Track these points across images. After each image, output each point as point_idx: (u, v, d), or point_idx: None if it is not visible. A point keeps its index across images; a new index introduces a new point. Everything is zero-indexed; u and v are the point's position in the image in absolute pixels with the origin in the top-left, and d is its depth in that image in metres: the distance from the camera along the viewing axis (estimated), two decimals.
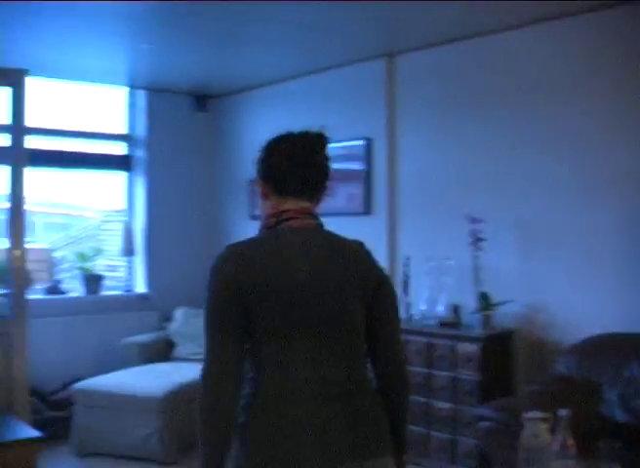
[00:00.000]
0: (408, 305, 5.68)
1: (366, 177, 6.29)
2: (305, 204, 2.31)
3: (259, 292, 2.13)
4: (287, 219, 2.26)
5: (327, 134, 2.42)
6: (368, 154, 6.29)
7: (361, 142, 6.32)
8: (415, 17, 5.10)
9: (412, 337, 5.41)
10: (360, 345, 2.27)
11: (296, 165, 2.29)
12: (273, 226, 2.27)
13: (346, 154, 6.42)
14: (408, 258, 5.76)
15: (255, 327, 2.15)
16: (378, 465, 2.17)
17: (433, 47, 5.78)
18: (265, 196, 2.34)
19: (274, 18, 5.19)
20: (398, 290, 5.81)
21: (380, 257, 6.21)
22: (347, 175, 6.40)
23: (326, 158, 2.37)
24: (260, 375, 2.15)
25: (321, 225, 2.34)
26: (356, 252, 2.35)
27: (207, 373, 2.10)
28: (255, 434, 2.11)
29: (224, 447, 2.09)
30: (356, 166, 6.36)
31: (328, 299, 2.18)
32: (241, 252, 2.19)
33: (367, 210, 6.26)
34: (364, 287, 2.27)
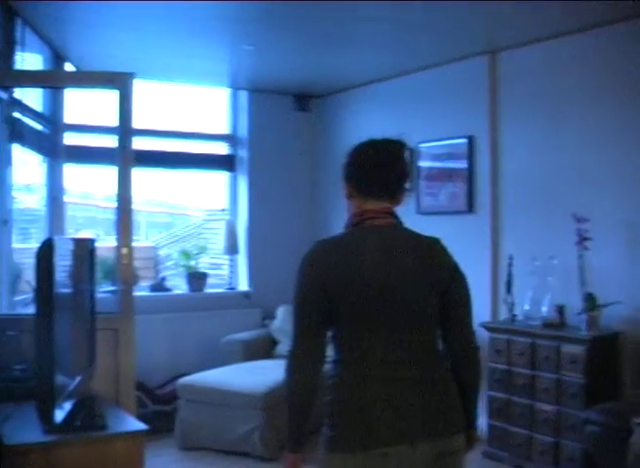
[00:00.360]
0: (511, 305, 5.59)
1: (468, 176, 6.22)
2: (385, 204, 2.51)
3: (342, 284, 2.37)
4: (369, 219, 2.48)
5: (405, 140, 2.61)
6: (470, 152, 6.21)
7: (463, 140, 6.26)
8: (519, 12, 5.01)
9: (515, 338, 5.35)
10: (433, 331, 2.49)
11: (377, 169, 2.50)
12: (357, 224, 2.50)
13: (448, 153, 6.37)
14: (511, 258, 5.67)
15: (338, 315, 2.39)
16: (449, 444, 2.39)
17: (537, 42, 5.67)
18: (350, 196, 2.56)
19: (375, 17, 5.19)
20: (501, 289, 5.75)
21: (483, 257, 6.17)
22: (450, 174, 6.35)
23: (405, 163, 2.60)
24: (343, 359, 2.42)
25: (400, 223, 2.54)
26: (432, 247, 2.53)
27: (292, 356, 2.42)
28: (338, 410, 2.39)
29: (306, 414, 2.44)
30: (458, 164, 6.30)
31: (405, 290, 2.40)
32: (327, 247, 2.46)
33: (469, 208, 6.19)
34: (438, 278, 2.46)
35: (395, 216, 2.53)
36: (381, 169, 2.50)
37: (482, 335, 5.76)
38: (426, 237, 2.54)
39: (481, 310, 5.96)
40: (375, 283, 2.37)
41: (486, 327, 5.65)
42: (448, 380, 2.48)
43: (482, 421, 5.74)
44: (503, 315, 5.74)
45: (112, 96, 4.74)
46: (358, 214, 2.50)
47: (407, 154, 2.60)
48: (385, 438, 2.32)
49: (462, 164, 6.27)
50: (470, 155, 6.22)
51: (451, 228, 6.28)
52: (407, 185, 2.62)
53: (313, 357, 2.41)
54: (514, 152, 5.95)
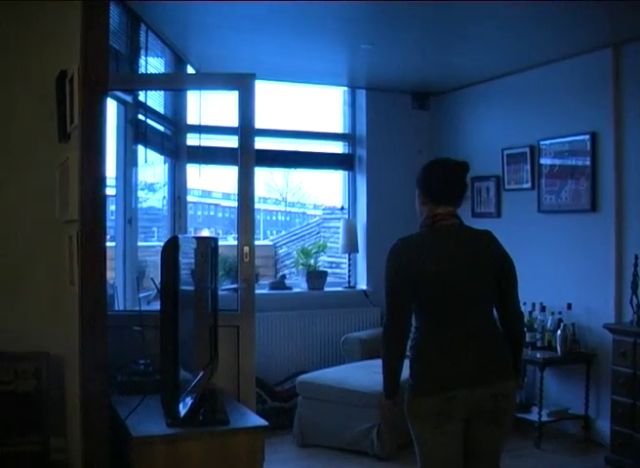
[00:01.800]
0: (637, 307, 5.40)
1: (591, 173, 6.05)
2: (451, 208, 3.28)
3: (423, 273, 3.14)
4: (440, 220, 3.25)
5: (468, 163, 3.38)
6: (593, 149, 6.04)
7: (586, 137, 6.09)
8: None
9: None
10: (491, 305, 3.29)
11: (448, 184, 3.28)
12: (431, 225, 3.26)
13: (570, 150, 6.21)
14: (637, 257, 5.47)
15: (419, 295, 3.17)
16: (500, 387, 3.17)
17: None
18: (424, 204, 3.33)
19: (493, 13, 5.11)
20: (626, 290, 5.57)
21: (607, 256, 5.99)
22: (572, 172, 6.19)
23: (465, 178, 3.36)
24: (423, 329, 3.23)
25: (462, 222, 3.30)
26: (487, 238, 3.33)
27: (386, 329, 3.21)
28: (417, 365, 3.20)
29: (397, 371, 3.21)
30: (581, 161, 6.13)
31: (471, 275, 3.18)
32: (409, 243, 3.26)
33: (593, 207, 6.01)
34: (494, 264, 3.26)
35: (458, 217, 3.30)
36: (450, 183, 3.28)
37: (606, 338, 5.60)
38: (481, 231, 3.34)
39: (605, 311, 5.80)
40: (448, 270, 3.15)
41: (610, 328, 5.49)
42: (501, 342, 3.25)
43: (605, 426, 5.60)
44: (629, 317, 5.55)
45: (234, 96, 4.82)
46: (432, 216, 3.26)
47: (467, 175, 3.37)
48: (450, 385, 3.10)
49: (585, 161, 6.10)
50: (593, 152, 6.05)
51: (573, 227, 6.14)
52: (466, 194, 3.39)
53: (401, 330, 3.18)
54: None
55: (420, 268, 3.14)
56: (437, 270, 3.14)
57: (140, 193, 5.70)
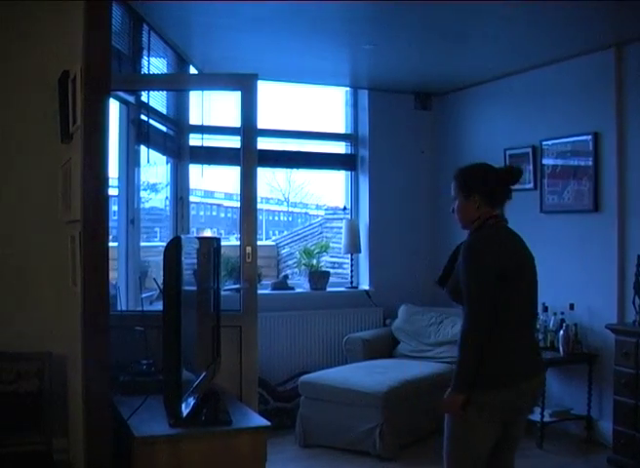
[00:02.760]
0: (639, 307, 5.40)
1: (594, 173, 6.04)
2: (500, 211, 3.48)
3: (509, 269, 3.28)
4: (499, 221, 3.45)
5: (521, 169, 3.63)
6: (595, 149, 6.03)
7: (588, 137, 6.08)
8: None
9: None
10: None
11: (504, 188, 3.47)
12: (493, 225, 3.42)
13: (572, 150, 6.21)
14: (639, 257, 5.47)
15: (504, 292, 3.25)
16: (542, 378, 3.64)
17: None
18: (478, 207, 3.43)
19: (495, 14, 5.11)
20: (628, 291, 5.56)
21: (609, 257, 6.00)
22: (574, 172, 6.19)
23: None
24: (502, 323, 3.25)
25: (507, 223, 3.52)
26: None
27: (476, 327, 3.24)
28: (488, 361, 3.26)
29: (474, 370, 3.24)
30: (583, 162, 6.13)
31: (532, 272, 3.47)
32: (489, 241, 3.36)
33: (595, 207, 6.00)
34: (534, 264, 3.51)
35: (505, 219, 3.51)
36: (505, 188, 3.46)
37: (608, 338, 5.60)
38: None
39: (607, 312, 5.80)
40: (522, 266, 3.38)
41: (612, 329, 5.48)
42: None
43: (607, 427, 5.59)
44: (631, 317, 5.55)
45: (236, 96, 4.82)
46: (491, 217, 3.42)
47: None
48: (523, 379, 3.31)
49: (587, 161, 6.09)
50: (596, 152, 6.04)
51: (576, 228, 6.13)
52: None
53: (489, 328, 3.22)
54: None
55: (506, 264, 3.28)
56: (516, 267, 3.32)
57: (142, 193, 5.70)
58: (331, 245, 7.85)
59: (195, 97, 6.58)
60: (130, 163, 5.37)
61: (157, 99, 5.77)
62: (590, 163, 6.06)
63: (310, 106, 7.81)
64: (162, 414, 3.52)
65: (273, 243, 8.24)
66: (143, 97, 5.41)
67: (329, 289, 7.53)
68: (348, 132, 7.89)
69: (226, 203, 8.66)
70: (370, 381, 5.87)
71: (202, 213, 8.38)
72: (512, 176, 3.48)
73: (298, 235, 8.25)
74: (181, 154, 6.47)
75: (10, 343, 3.98)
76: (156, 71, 5.80)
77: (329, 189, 8.34)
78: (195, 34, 5.89)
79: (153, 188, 6.28)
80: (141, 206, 5.68)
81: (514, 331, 3.31)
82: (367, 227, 7.68)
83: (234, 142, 5.72)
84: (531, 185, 6.59)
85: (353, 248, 7.53)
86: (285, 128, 7.57)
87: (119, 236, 5.34)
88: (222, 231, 8.33)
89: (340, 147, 7.93)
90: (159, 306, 3.73)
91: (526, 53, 6.18)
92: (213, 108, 6.42)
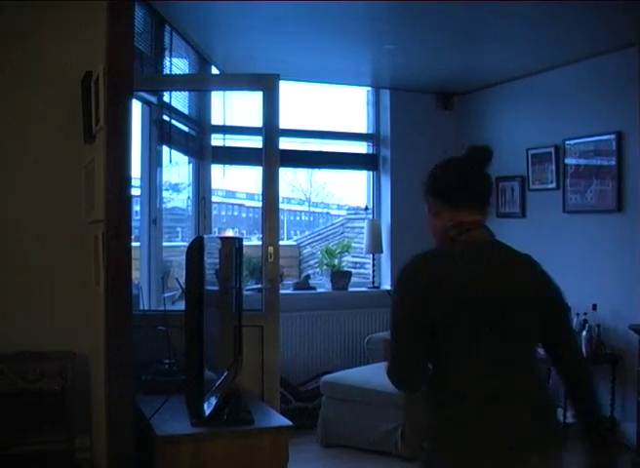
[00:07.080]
0: None
1: (617, 173, 6.00)
2: (477, 216, 2.36)
3: (444, 300, 2.21)
4: (467, 230, 2.32)
5: (492, 148, 2.51)
6: (619, 148, 5.99)
7: (611, 136, 6.04)
8: None
9: None
10: (532, 349, 2.37)
11: (466, 177, 2.39)
12: (454, 238, 2.33)
13: (595, 149, 6.17)
14: None
15: (436, 331, 2.22)
16: (549, 457, 2.48)
17: None
18: (437, 214, 2.44)
19: (518, 12, 5.08)
20: None
21: (633, 257, 5.94)
22: (597, 172, 6.14)
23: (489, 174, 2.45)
24: (441, 374, 2.27)
25: (494, 236, 2.39)
26: (527, 264, 2.40)
27: (391, 376, 2.32)
28: (439, 427, 2.30)
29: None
30: (606, 161, 6.09)
31: (503, 309, 2.25)
32: (427, 262, 2.31)
33: (618, 207, 5.96)
34: (538, 297, 2.36)
35: (488, 229, 2.38)
36: (469, 176, 2.40)
37: (631, 339, 5.56)
38: (520, 253, 2.40)
39: (630, 312, 5.75)
40: (475, 302, 2.22)
41: (636, 329, 5.44)
42: (548, 396, 2.45)
43: (631, 428, 5.56)
44: None
45: (258, 97, 4.83)
46: (454, 226, 2.34)
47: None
48: (485, 460, 2.25)
49: (610, 161, 6.05)
50: (619, 151, 6.00)
51: (599, 228, 6.09)
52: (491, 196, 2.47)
53: (414, 378, 2.32)
54: None
55: (444, 297, 2.23)
56: (463, 302, 2.22)
57: (164, 193, 5.72)
58: (352, 245, 7.84)
59: (217, 98, 6.60)
60: (152, 163, 5.39)
61: (179, 100, 5.79)
62: (613, 162, 6.02)
63: (332, 106, 7.80)
64: (184, 414, 3.52)
65: (295, 243, 8.25)
66: (165, 97, 5.43)
67: (351, 289, 7.52)
68: (370, 132, 7.88)
69: (248, 203, 8.68)
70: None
71: (224, 212, 8.40)
72: (468, 160, 2.48)
73: (319, 235, 8.25)
74: (203, 154, 6.48)
75: (34, 342, 4.01)
76: (178, 72, 5.82)
77: (350, 189, 8.34)
78: (217, 34, 5.90)
79: (175, 188, 6.30)
80: (164, 206, 5.70)
81: (476, 410, 2.21)
82: (389, 227, 7.67)
83: (256, 142, 5.73)
84: (553, 185, 6.55)
85: (375, 248, 7.52)
86: (307, 128, 7.57)
87: (141, 236, 5.36)
88: (244, 231, 8.34)
89: (361, 147, 7.92)
90: (181, 306, 3.74)
91: (548, 52, 6.15)
92: (234, 108, 6.44)
